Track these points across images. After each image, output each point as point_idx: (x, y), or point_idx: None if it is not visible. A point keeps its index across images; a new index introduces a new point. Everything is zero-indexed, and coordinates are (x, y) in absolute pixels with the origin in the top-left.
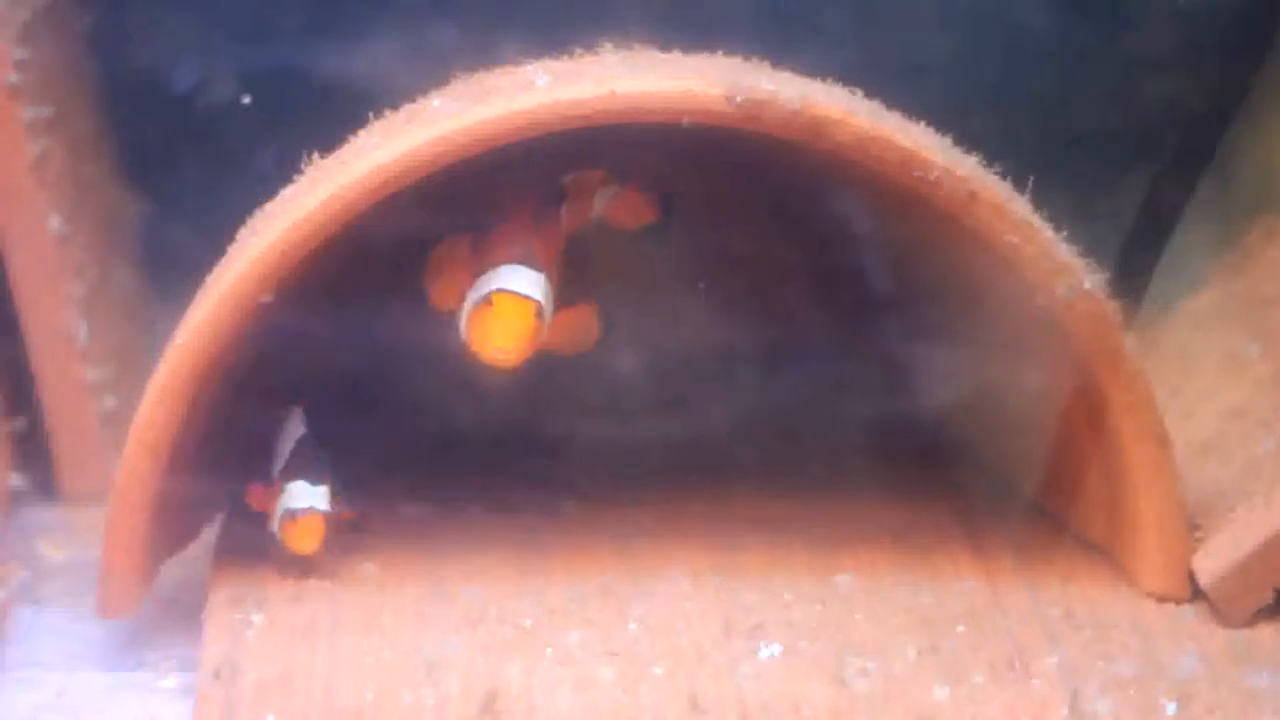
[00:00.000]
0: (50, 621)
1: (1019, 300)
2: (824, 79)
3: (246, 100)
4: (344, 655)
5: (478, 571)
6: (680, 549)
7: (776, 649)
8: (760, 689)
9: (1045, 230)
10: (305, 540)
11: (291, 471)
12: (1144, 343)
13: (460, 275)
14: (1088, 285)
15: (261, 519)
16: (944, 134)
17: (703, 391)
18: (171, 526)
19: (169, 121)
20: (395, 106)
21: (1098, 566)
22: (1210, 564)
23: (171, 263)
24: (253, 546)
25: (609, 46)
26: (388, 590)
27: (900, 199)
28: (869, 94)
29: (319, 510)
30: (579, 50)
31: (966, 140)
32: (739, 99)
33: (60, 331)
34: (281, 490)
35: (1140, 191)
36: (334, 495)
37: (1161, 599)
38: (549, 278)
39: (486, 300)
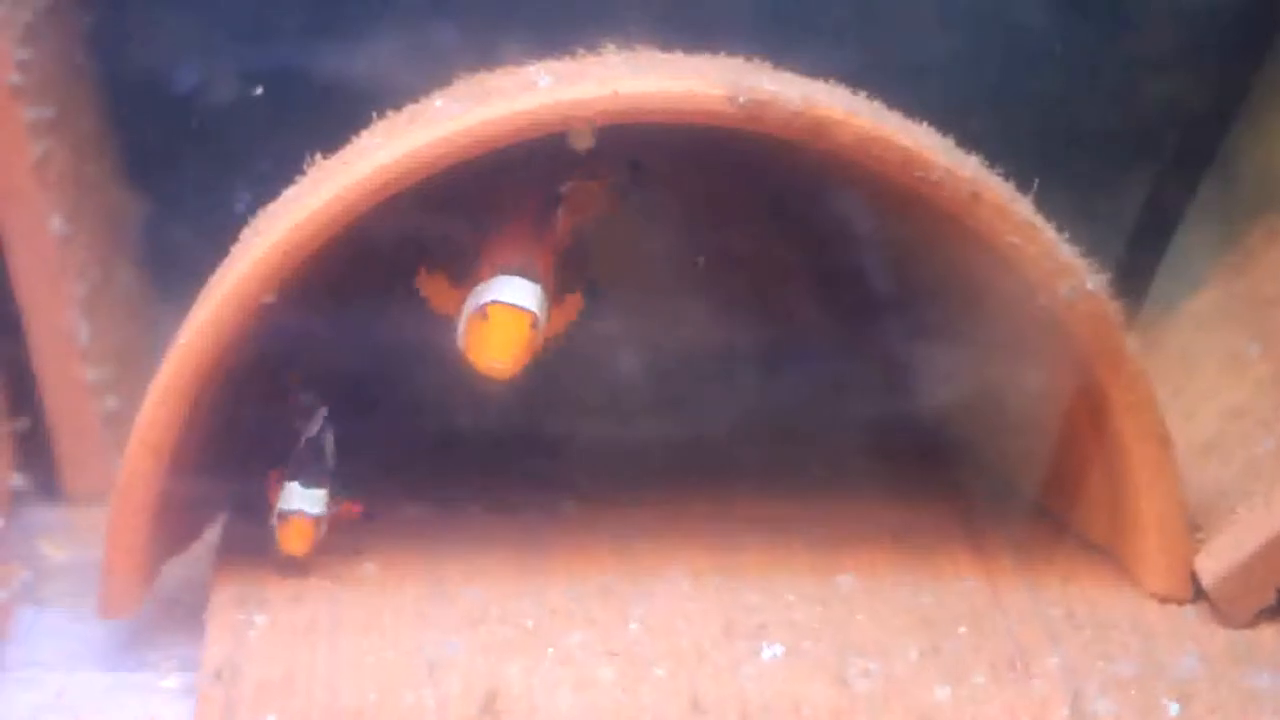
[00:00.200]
0: (51, 621)
1: (1021, 300)
2: (825, 79)
3: (248, 100)
4: (345, 656)
5: (478, 572)
6: (681, 549)
7: (778, 649)
8: (761, 689)
9: (1047, 230)
10: (293, 542)
11: (291, 472)
12: (1146, 343)
13: (454, 292)
14: (1090, 285)
15: (264, 516)
16: (946, 134)
17: (703, 391)
18: (173, 527)
19: (171, 122)
20: (397, 107)
21: (1099, 567)
22: (1212, 564)
23: (173, 263)
24: (255, 547)
25: (611, 47)
26: (389, 591)
27: (902, 199)
28: (870, 94)
29: (308, 514)
30: (581, 51)
31: (968, 141)
32: (741, 99)
33: (62, 331)
34: (281, 488)
35: (1142, 192)
36: (333, 497)
37: (1163, 599)
38: (545, 288)
39: (482, 312)
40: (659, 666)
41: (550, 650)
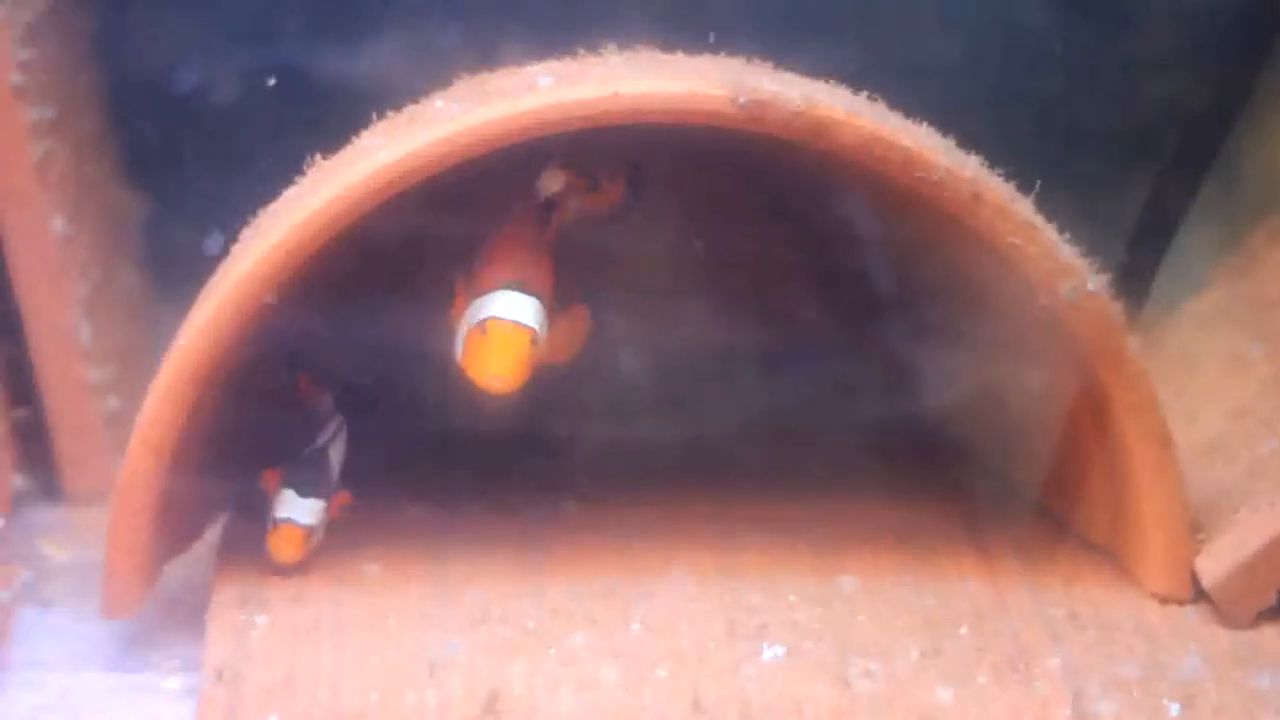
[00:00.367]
0: (53, 622)
1: (1022, 301)
2: (826, 80)
3: (249, 100)
4: (347, 656)
5: (480, 572)
6: (683, 550)
7: (780, 650)
8: (763, 690)
9: (1048, 231)
10: (281, 549)
11: (289, 479)
12: (1147, 343)
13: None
14: (1091, 286)
15: (264, 515)
16: (946, 135)
17: (704, 392)
18: (175, 527)
19: (172, 122)
20: (398, 107)
21: (1101, 567)
22: (1214, 565)
23: (175, 263)
24: (256, 547)
25: (612, 47)
26: (391, 591)
27: (902, 200)
28: (871, 95)
29: (299, 524)
30: (582, 51)
31: (969, 141)
32: (742, 100)
33: (63, 332)
34: (279, 492)
35: (1143, 192)
36: (327, 507)
37: (1165, 600)
38: (543, 300)
39: (481, 327)
40: (660, 667)
41: (552, 651)
